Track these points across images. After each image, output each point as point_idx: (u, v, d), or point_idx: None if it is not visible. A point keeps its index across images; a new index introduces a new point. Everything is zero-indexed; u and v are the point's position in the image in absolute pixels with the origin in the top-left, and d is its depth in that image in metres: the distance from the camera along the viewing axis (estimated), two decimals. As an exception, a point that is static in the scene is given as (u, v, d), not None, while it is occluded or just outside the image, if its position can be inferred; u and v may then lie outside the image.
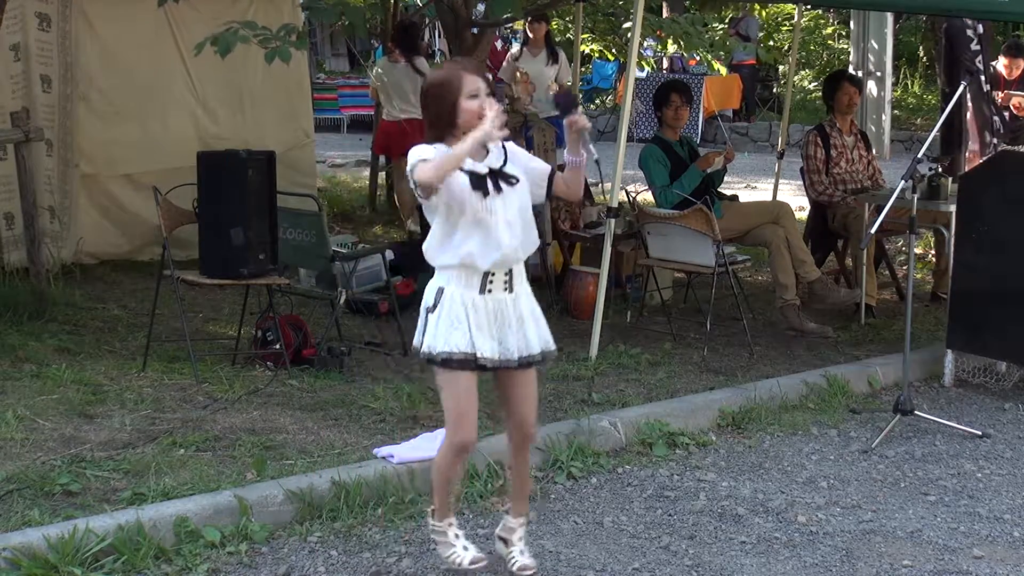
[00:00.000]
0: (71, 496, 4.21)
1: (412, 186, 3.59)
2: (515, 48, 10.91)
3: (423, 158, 3.55)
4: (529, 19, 10.37)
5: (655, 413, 5.33)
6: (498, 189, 3.65)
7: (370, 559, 3.97)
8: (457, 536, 3.84)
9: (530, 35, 10.55)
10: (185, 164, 6.74)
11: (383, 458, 4.56)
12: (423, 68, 9.80)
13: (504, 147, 3.74)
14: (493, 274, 3.65)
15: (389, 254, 7.02)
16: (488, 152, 3.70)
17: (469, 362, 3.61)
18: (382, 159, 11.21)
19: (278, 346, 5.94)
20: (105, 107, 8.14)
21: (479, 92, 3.61)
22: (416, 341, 3.73)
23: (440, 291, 3.66)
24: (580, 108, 3.70)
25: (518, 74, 10.20)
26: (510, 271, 3.69)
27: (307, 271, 6.74)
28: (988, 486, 4.86)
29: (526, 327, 3.71)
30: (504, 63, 10.72)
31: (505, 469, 4.04)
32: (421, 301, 3.73)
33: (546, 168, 3.81)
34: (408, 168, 3.60)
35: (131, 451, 4.68)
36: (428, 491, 4.43)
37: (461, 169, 3.59)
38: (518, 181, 3.70)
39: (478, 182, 3.63)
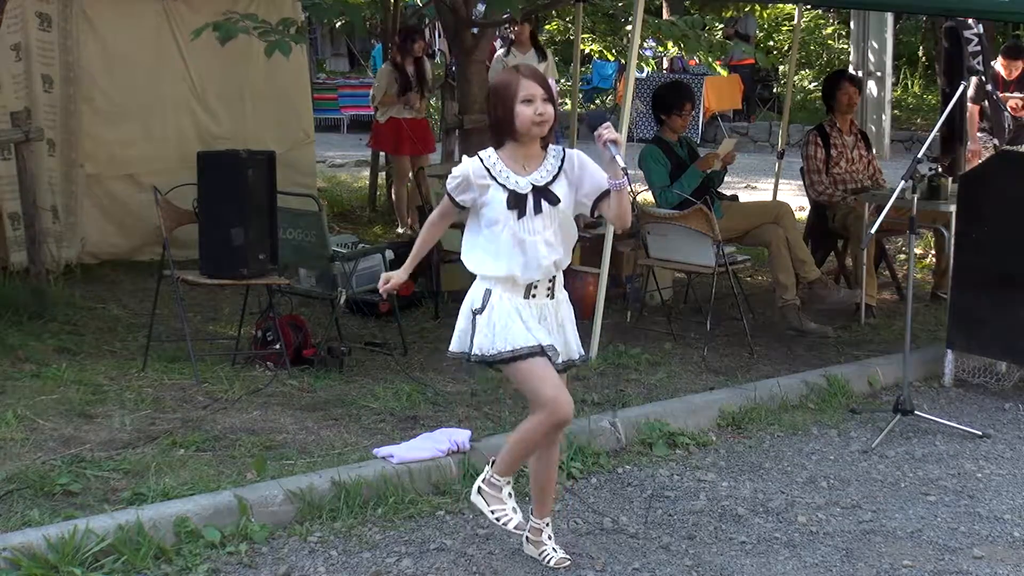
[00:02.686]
0: (71, 496, 4.21)
1: (448, 202, 3.74)
2: (501, 49, 10.92)
3: (441, 205, 3.76)
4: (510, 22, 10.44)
5: (655, 413, 5.33)
6: (538, 209, 3.65)
7: (370, 559, 3.97)
8: (510, 495, 3.86)
9: (513, 36, 10.61)
10: (185, 164, 6.75)
11: (383, 458, 4.55)
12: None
13: (563, 156, 3.73)
14: (536, 284, 3.70)
15: (389, 254, 7.01)
16: (542, 161, 3.71)
17: (535, 352, 3.62)
18: (382, 159, 11.22)
19: (278, 346, 5.94)
20: (106, 107, 8.15)
21: (534, 97, 3.62)
22: (459, 345, 3.74)
23: (488, 293, 3.68)
24: (608, 122, 3.64)
25: None
26: (553, 278, 3.74)
27: (307, 271, 6.74)
28: (988, 486, 4.86)
29: (566, 332, 3.78)
30: (491, 64, 10.73)
31: (530, 473, 4.04)
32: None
33: (601, 183, 3.70)
34: (448, 180, 3.73)
35: (131, 451, 4.68)
36: (429, 491, 4.45)
37: (503, 187, 3.63)
38: (558, 202, 3.69)
39: (516, 202, 3.64)
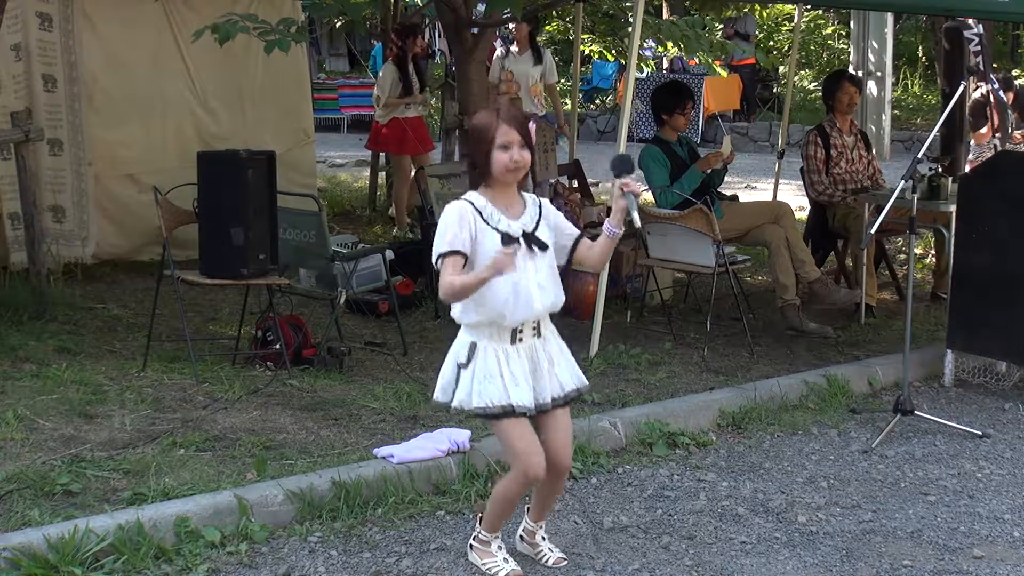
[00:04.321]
0: (71, 496, 4.21)
1: (434, 264, 3.61)
2: (500, 49, 10.92)
3: (449, 264, 3.55)
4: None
5: (655, 413, 5.33)
6: (531, 252, 3.65)
7: (370, 559, 3.97)
8: (500, 548, 3.89)
9: (513, 36, 10.58)
10: (185, 164, 6.75)
11: (383, 458, 4.55)
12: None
13: (540, 204, 3.74)
14: (522, 328, 3.68)
15: (389, 254, 7.02)
16: (524, 208, 3.70)
17: (508, 412, 3.63)
18: (382, 159, 11.22)
19: (278, 346, 5.94)
20: (106, 107, 8.14)
21: (511, 144, 3.59)
22: (442, 395, 3.73)
23: (473, 346, 3.66)
24: (635, 174, 3.65)
25: (504, 74, 10.24)
26: (538, 320, 3.72)
27: (307, 271, 6.74)
28: (988, 486, 4.86)
29: (557, 368, 3.75)
30: (491, 63, 10.73)
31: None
32: (449, 353, 3.73)
33: (574, 233, 3.76)
34: (433, 258, 3.60)
35: (131, 451, 4.68)
36: (429, 491, 4.45)
37: (496, 229, 3.60)
38: (547, 248, 3.69)
39: (511, 243, 3.62)
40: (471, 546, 3.93)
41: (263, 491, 4.20)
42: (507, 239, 3.59)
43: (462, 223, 3.58)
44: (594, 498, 4.58)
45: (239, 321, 6.44)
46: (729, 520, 4.41)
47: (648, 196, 7.55)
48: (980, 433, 5.44)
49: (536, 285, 3.65)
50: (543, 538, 4.02)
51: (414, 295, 7.39)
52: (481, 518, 3.91)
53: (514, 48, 10.68)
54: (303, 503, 4.20)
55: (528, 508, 4.05)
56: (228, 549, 3.94)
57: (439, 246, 3.58)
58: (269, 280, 6.02)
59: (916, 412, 5.49)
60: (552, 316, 3.78)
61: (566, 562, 3.96)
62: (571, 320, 7.18)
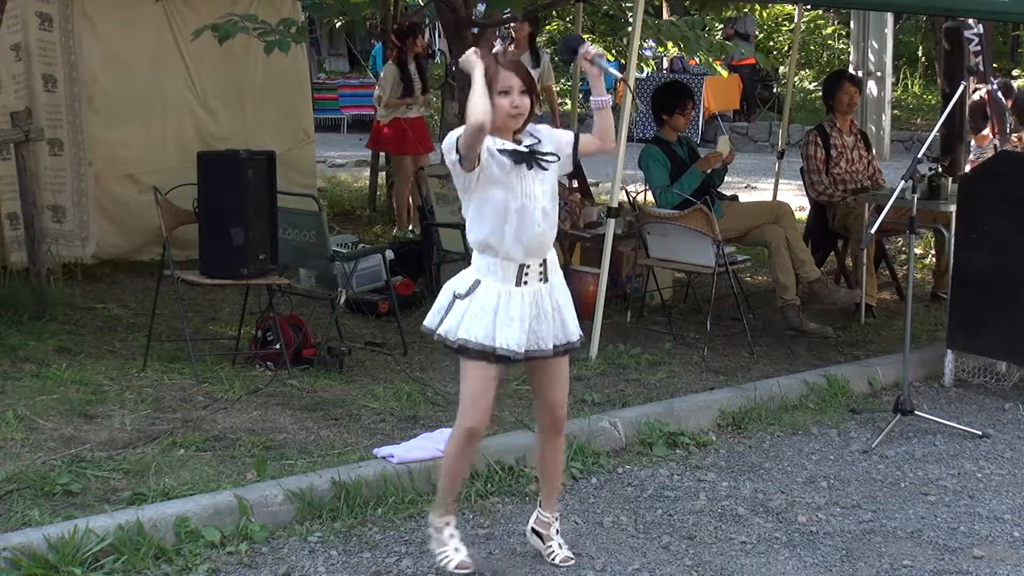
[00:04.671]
0: (71, 496, 4.21)
1: (454, 159, 3.60)
2: (498, 48, 10.89)
3: (458, 134, 3.58)
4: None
5: (655, 413, 5.33)
6: (537, 167, 3.65)
7: (370, 559, 3.97)
8: (452, 536, 3.84)
9: (514, 36, 10.53)
10: (185, 164, 6.75)
11: (383, 458, 4.55)
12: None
13: (532, 131, 3.74)
14: (528, 265, 3.68)
15: (389, 254, 7.01)
16: (523, 137, 3.71)
17: (487, 354, 3.62)
18: (382, 159, 11.22)
19: (278, 346, 5.94)
20: (106, 107, 8.14)
21: (511, 89, 3.62)
22: (431, 321, 3.73)
23: (476, 283, 3.66)
24: (586, 43, 3.68)
25: None
26: (544, 260, 3.72)
27: (307, 271, 6.74)
28: (988, 486, 4.86)
29: (564, 314, 3.75)
30: None
31: (535, 462, 4.07)
32: (443, 288, 3.73)
33: (570, 135, 3.78)
34: (448, 145, 3.61)
35: (131, 451, 4.68)
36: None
37: (501, 149, 3.61)
38: (552, 163, 3.69)
39: (520, 158, 3.64)
40: (430, 536, 3.88)
41: (263, 491, 4.20)
42: (516, 155, 3.61)
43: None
44: (594, 498, 4.58)
45: (239, 321, 6.43)
46: (729, 520, 4.41)
47: (648, 196, 7.55)
48: (980, 433, 5.44)
49: (540, 210, 3.66)
50: (557, 531, 4.00)
51: (414, 295, 7.39)
52: (434, 506, 3.87)
53: (512, 49, 10.63)
54: (303, 503, 4.20)
55: (539, 500, 4.03)
56: (228, 549, 3.94)
57: (453, 134, 3.61)
58: (269, 280, 6.02)
59: (916, 412, 5.49)
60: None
61: (572, 562, 3.96)
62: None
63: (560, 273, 3.82)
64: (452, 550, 3.81)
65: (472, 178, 3.62)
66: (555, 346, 3.73)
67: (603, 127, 3.78)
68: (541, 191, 3.67)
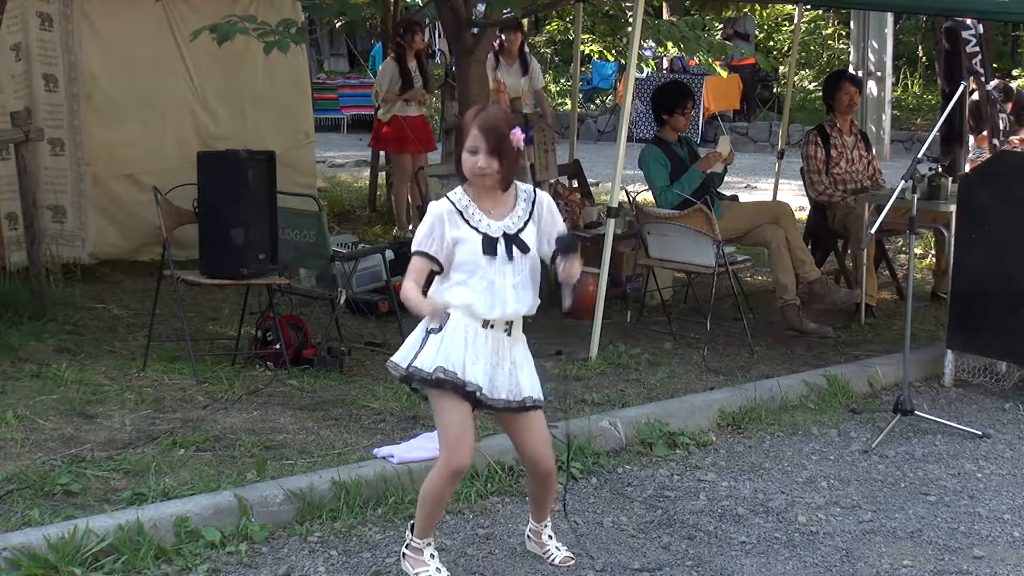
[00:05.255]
0: (71, 496, 4.21)
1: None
2: (491, 59, 10.90)
3: (414, 264, 3.59)
4: (502, 28, 10.42)
5: (655, 413, 5.33)
6: (509, 256, 3.61)
7: (370, 559, 3.97)
8: (432, 556, 3.79)
9: (506, 45, 10.54)
10: (185, 164, 6.75)
11: (383, 458, 4.56)
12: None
13: (534, 199, 3.69)
14: (493, 323, 3.64)
15: (389, 254, 7.01)
16: (513, 206, 3.66)
17: (459, 388, 3.57)
18: (382, 159, 11.22)
19: (278, 346, 5.94)
20: (106, 107, 8.15)
21: (477, 149, 3.55)
22: (401, 358, 3.67)
23: (446, 316, 3.62)
24: (578, 253, 3.66)
25: (495, 84, 10.22)
26: (510, 321, 3.69)
27: (307, 271, 6.74)
28: (988, 486, 4.86)
29: (519, 372, 3.69)
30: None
31: (527, 487, 4.06)
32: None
33: (562, 234, 3.69)
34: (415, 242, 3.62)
35: (131, 451, 4.69)
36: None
37: (476, 230, 3.58)
38: (529, 250, 3.64)
39: (489, 246, 3.59)
40: (403, 555, 3.82)
41: (263, 491, 4.20)
42: (487, 241, 3.57)
43: (434, 227, 3.58)
44: (594, 498, 4.58)
45: (239, 321, 6.44)
46: (729, 520, 4.41)
47: (648, 196, 7.55)
48: (980, 433, 5.44)
49: (512, 287, 3.61)
50: (550, 537, 4.01)
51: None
52: (413, 526, 3.82)
53: (503, 59, 10.65)
54: (303, 503, 4.20)
55: (530, 513, 4.04)
56: (228, 549, 3.94)
57: (413, 242, 3.62)
58: (269, 280, 6.02)
59: (916, 412, 5.49)
60: (526, 319, 3.74)
61: (573, 561, 3.96)
62: (571, 320, 7.19)
63: (523, 337, 3.75)
64: (434, 569, 3.75)
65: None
66: (507, 400, 3.65)
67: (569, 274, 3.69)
68: (512, 271, 3.62)
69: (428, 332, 3.63)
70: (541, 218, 3.69)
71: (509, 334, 3.68)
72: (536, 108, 10.61)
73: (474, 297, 3.59)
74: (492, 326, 3.63)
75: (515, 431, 3.78)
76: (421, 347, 3.62)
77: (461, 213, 3.61)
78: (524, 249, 3.64)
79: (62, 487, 4.25)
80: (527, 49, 10.65)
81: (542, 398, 3.74)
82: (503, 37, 10.49)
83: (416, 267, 3.60)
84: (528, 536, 4.05)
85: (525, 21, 11.86)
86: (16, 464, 4.47)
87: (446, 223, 3.59)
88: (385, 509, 4.29)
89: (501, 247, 3.60)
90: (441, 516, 3.96)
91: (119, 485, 4.31)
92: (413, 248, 3.62)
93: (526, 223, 3.66)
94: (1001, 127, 9.29)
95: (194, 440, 4.81)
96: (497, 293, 3.60)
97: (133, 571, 3.76)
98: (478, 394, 3.59)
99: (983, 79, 9.13)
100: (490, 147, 3.54)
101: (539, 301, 3.73)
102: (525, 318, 3.73)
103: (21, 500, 4.14)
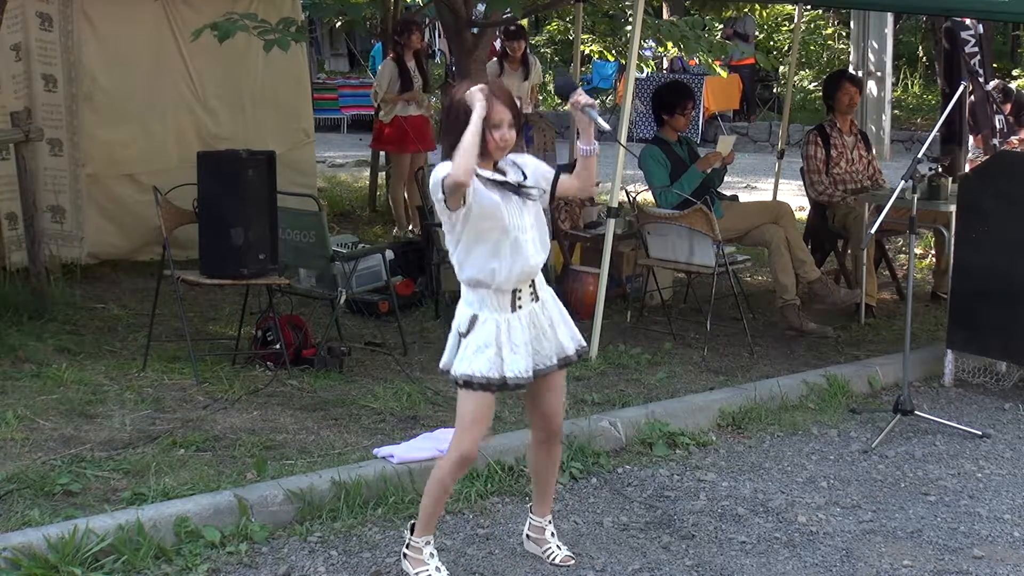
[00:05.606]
0: (71, 496, 4.21)
1: (440, 198, 3.56)
2: (493, 64, 10.90)
3: (444, 172, 3.54)
4: (507, 37, 10.48)
5: (655, 413, 5.33)
6: (525, 201, 3.66)
7: (370, 559, 3.97)
8: (432, 556, 3.80)
9: (509, 52, 10.59)
10: (185, 164, 6.75)
11: (383, 458, 4.56)
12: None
13: (516, 162, 3.74)
14: (520, 290, 3.68)
15: (389, 254, 7.01)
16: (507, 171, 3.69)
17: (492, 385, 3.62)
18: (382, 159, 11.21)
19: (278, 346, 5.94)
20: (106, 107, 8.15)
21: (502, 123, 3.59)
22: (446, 361, 3.75)
23: (474, 319, 3.66)
24: (580, 88, 3.67)
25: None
26: (533, 281, 3.72)
27: (307, 271, 6.74)
28: (988, 486, 4.86)
29: (558, 329, 3.77)
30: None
31: (529, 468, 4.07)
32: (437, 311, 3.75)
33: (551, 172, 3.78)
34: (434, 183, 3.57)
35: (131, 451, 4.69)
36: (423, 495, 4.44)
37: (489, 180, 3.60)
38: (535, 198, 3.70)
39: (508, 190, 3.63)
40: (403, 555, 3.83)
41: (263, 491, 4.20)
42: (504, 188, 3.61)
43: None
44: (594, 498, 4.58)
45: (239, 321, 6.44)
46: (729, 520, 4.41)
47: (648, 196, 7.55)
48: (980, 433, 5.44)
49: (531, 242, 3.66)
50: (552, 534, 4.01)
51: (414, 295, 7.39)
52: (413, 526, 3.82)
53: (507, 65, 10.68)
54: (303, 503, 4.20)
55: (531, 507, 4.05)
56: (228, 549, 3.94)
57: (439, 172, 3.54)
58: (269, 280, 6.02)
59: (916, 412, 5.49)
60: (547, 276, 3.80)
61: (573, 561, 3.96)
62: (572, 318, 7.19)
63: (548, 289, 3.81)
64: (434, 569, 3.76)
65: (459, 216, 3.59)
66: (558, 360, 3.76)
67: (587, 176, 3.76)
68: (530, 222, 3.68)
69: (458, 336, 3.69)
70: (528, 167, 3.73)
71: (537, 298, 3.73)
72: (537, 108, 10.63)
73: (497, 260, 3.60)
74: (521, 304, 3.67)
75: (539, 391, 3.81)
76: (456, 351, 3.69)
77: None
78: (533, 196, 3.69)
79: (62, 487, 4.25)
80: (528, 52, 10.72)
81: (583, 344, 3.86)
82: (508, 44, 10.54)
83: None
84: (527, 535, 4.04)
85: (525, 22, 11.86)
86: (16, 464, 4.47)
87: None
88: (385, 509, 4.29)
89: (515, 198, 3.63)
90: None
91: (119, 485, 4.32)
92: (443, 174, 3.52)
93: (524, 176, 3.71)
94: (998, 127, 9.29)
95: (194, 440, 4.81)
96: (521, 250, 3.63)
97: (133, 571, 3.76)
98: (523, 382, 3.64)
99: (980, 80, 9.12)
100: (512, 119, 3.61)
101: (549, 244, 3.78)
102: (544, 272, 3.78)
103: (21, 500, 4.14)
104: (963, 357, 6.24)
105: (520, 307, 3.68)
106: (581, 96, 3.62)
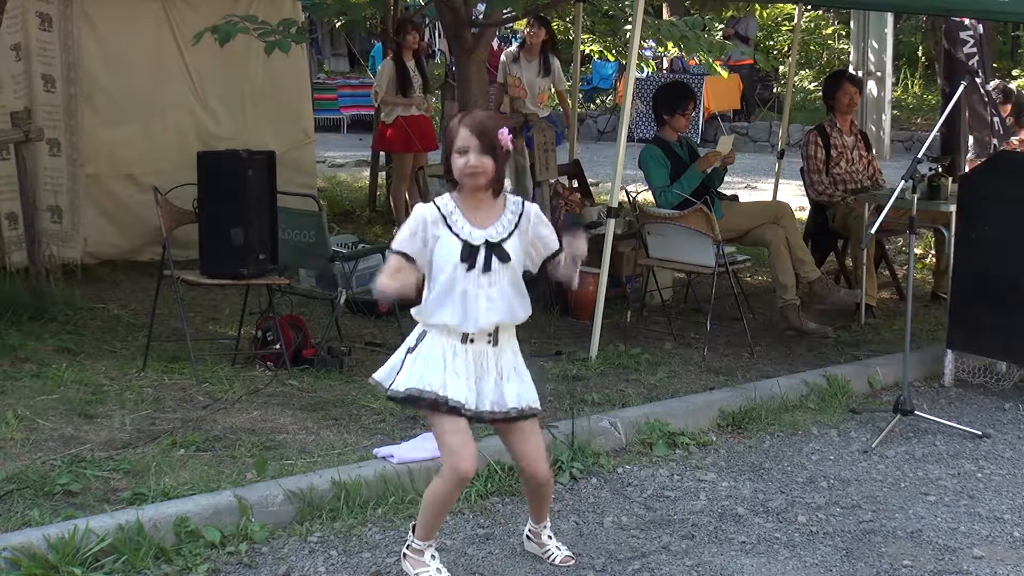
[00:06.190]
0: (71, 496, 4.21)
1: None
2: (512, 47, 10.80)
3: (390, 262, 3.58)
4: (530, 23, 10.25)
5: (655, 413, 5.33)
6: (487, 266, 3.57)
7: (370, 559, 3.97)
8: (433, 557, 3.78)
9: (528, 41, 10.41)
10: (185, 164, 6.75)
11: (383, 458, 4.56)
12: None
13: (521, 211, 3.66)
14: (473, 336, 3.61)
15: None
16: (500, 216, 3.63)
17: (440, 404, 3.55)
18: (382, 159, 11.21)
19: (278, 346, 5.95)
20: (106, 107, 8.15)
21: (467, 149, 3.53)
22: (384, 377, 3.69)
23: (423, 334, 3.63)
24: (582, 233, 3.68)
25: (510, 78, 10.18)
26: (494, 331, 3.64)
27: (307, 271, 6.74)
28: (988, 486, 4.86)
29: (503, 384, 3.64)
30: (500, 63, 10.66)
31: (524, 491, 4.06)
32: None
33: (553, 245, 3.70)
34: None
35: (131, 451, 4.68)
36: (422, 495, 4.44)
37: (457, 236, 3.56)
38: (508, 260, 3.60)
39: (468, 254, 3.56)
40: (404, 555, 3.80)
41: (263, 491, 4.20)
42: (467, 248, 3.55)
43: (416, 228, 3.57)
44: (594, 498, 4.58)
45: (239, 321, 6.44)
46: (729, 520, 4.41)
47: (648, 196, 7.55)
48: (980, 433, 5.44)
49: (485, 299, 3.57)
50: (550, 537, 4.00)
51: (414, 295, 7.38)
52: (415, 526, 3.81)
53: (523, 54, 10.49)
54: (303, 503, 4.20)
55: (529, 515, 4.04)
56: (228, 549, 3.94)
57: (394, 241, 3.60)
58: (269, 280, 6.02)
59: (916, 412, 5.49)
60: (519, 327, 3.71)
61: (573, 561, 3.96)
62: (571, 320, 7.20)
63: (515, 343, 3.70)
64: (435, 570, 3.74)
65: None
66: (491, 412, 3.62)
67: (563, 279, 3.74)
68: (493, 281, 3.58)
69: (406, 351, 3.65)
70: (528, 229, 3.66)
71: (494, 344, 3.64)
72: (557, 108, 10.51)
73: (447, 309, 3.56)
74: (472, 340, 3.60)
75: (508, 441, 3.77)
76: (401, 368, 3.64)
77: (445, 219, 3.58)
78: (504, 258, 3.60)
79: (62, 487, 4.25)
80: (550, 49, 10.46)
81: (532, 407, 3.68)
82: (526, 31, 10.37)
83: (392, 266, 3.56)
84: (527, 536, 4.04)
85: (553, 14, 11.59)
86: (16, 464, 4.47)
87: (429, 226, 3.57)
88: (385, 509, 4.29)
89: (480, 257, 3.57)
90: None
91: (119, 485, 4.31)
92: (392, 246, 3.59)
93: (511, 233, 3.63)
94: (996, 128, 9.29)
95: (194, 440, 4.80)
96: (469, 304, 3.56)
97: (133, 571, 3.76)
98: (462, 409, 3.57)
99: (978, 80, 9.12)
100: (482, 146, 3.53)
101: (528, 311, 3.68)
102: (518, 326, 3.69)
103: (21, 500, 4.14)
104: (963, 357, 6.24)
105: (471, 341, 3.60)
106: (580, 245, 3.65)
